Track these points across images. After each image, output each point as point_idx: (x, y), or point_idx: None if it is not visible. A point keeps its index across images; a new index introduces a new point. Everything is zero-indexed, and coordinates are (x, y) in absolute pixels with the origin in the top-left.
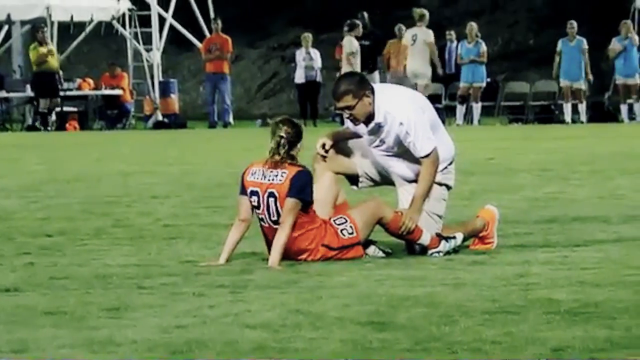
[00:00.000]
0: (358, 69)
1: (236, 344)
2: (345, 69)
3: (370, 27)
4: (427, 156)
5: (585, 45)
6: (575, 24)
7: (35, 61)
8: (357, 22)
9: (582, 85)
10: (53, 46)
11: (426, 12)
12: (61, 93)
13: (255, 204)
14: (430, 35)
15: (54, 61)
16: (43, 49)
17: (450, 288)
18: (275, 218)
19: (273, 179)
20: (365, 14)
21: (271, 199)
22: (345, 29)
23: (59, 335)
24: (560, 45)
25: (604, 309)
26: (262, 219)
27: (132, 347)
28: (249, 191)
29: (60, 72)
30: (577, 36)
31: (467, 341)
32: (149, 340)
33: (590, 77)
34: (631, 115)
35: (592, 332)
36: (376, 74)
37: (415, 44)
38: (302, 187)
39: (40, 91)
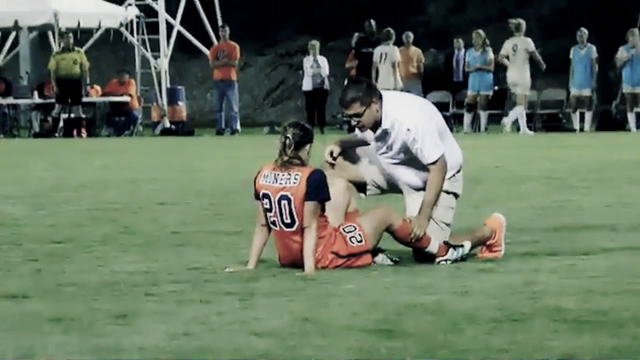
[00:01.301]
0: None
1: (243, 351)
2: (390, 77)
3: (377, 34)
4: (434, 163)
5: (595, 54)
6: (585, 31)
7: (54, 69)
8: (392, 31)
9: (590, 93)
10: (81, 52)
11: (522, 22)
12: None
13: (267, 206)
14: (530, 44)
15: (76, 68)
16: (63, 56)
17: (457, 296)
18: (288, 221)
19: (286, 182)
20: (373, 22)
21: (284, 202)
22: (381, 38)
23: (67, 341)
24: (572, 53)
25: (611, 318)
26: (273, 222)
27: (139, 353)
28: (260, 194)
29: (87, 79)
30: (588, 44)
31: (474, 349)
32: (156, 347)
33: (594, 84)
34: (639, 124)
35: (599, 341)
36: None
37: (516, 54)
38: (319, 187)
39: (62, 97)
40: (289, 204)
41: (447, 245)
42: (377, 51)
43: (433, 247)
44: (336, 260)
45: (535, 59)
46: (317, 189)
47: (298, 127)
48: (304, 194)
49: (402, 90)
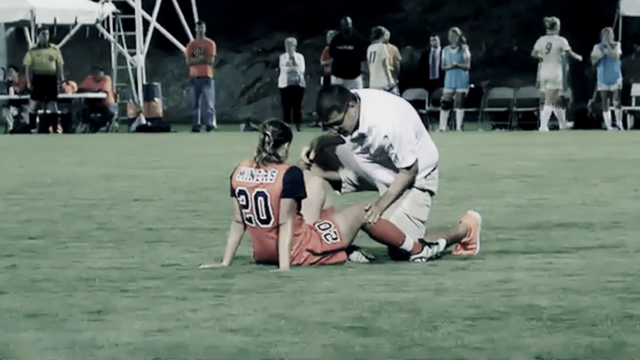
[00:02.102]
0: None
1: (218, 348)
2: (380, 76)
3: (353, 32)
4: (407, 168)
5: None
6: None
7: (29, 64)
8: (383, 29)
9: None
10: (57, 49)
11: (557, 20)
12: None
13: (244, 203)
14: (565, 43)
15: (52, 64)
16: (38, 52)
17: (432, 294)
18: (264, 217)
19: (263, 179)
20: (349, 19)
21: (260, 198)
22: (372, 36)
23: (41, 337)
24: None
25: (586, 316)
26: (249, 219)
27: (114, 350)
28: (237, 190)
29: (62, 76)
30: None
31: (449, 347)
32: (131, 344)
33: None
34: (614, 122)
35: (574, 339)
36: (359, 79)
37: (550, 52)
38: (295, 184)
39: (38, 93)
40: (265, 200)
41: (422, 242)
42: (368, 50)
43: (408, 245)
44: (311, 258)
45: (573, 58)
46: (294, 187)
47: (278, 125)
48: (281, 191)
49: (393, 87)
